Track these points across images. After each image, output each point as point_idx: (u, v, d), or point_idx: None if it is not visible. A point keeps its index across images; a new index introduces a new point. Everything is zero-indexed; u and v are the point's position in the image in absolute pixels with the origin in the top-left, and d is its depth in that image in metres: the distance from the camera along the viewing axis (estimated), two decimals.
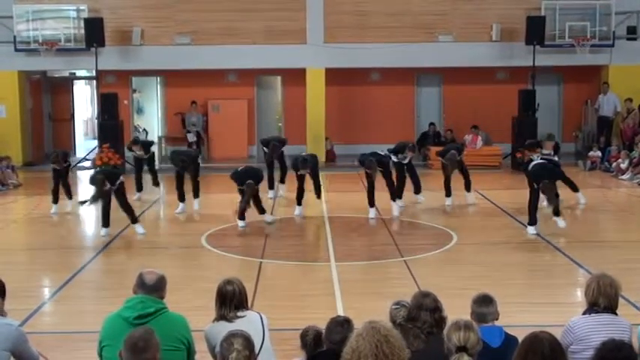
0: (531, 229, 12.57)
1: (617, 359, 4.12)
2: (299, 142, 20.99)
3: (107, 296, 9.13)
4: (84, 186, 16.57)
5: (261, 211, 13.48)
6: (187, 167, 14.91)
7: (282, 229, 13.72)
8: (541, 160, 13.79)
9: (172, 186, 15.37)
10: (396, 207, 14.30)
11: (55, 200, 14.95)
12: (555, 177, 12.91)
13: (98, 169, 15.82)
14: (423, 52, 21.75)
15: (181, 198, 14.91)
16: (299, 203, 14.47)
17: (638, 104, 21.40)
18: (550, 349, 4.05)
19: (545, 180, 12.38)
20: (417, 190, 15.48)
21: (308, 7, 21.87)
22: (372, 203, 14.24)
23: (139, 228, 13.03)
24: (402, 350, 3.91)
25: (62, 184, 15.19)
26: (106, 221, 12.82)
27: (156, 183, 17.04)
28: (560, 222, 12.65)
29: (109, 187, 12.65)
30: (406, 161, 15.15)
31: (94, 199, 12.78)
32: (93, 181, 12.92)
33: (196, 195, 15.06)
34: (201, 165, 16.25)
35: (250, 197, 13.15)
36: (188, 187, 14.97)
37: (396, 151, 15.11)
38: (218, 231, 13.29)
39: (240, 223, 13.35)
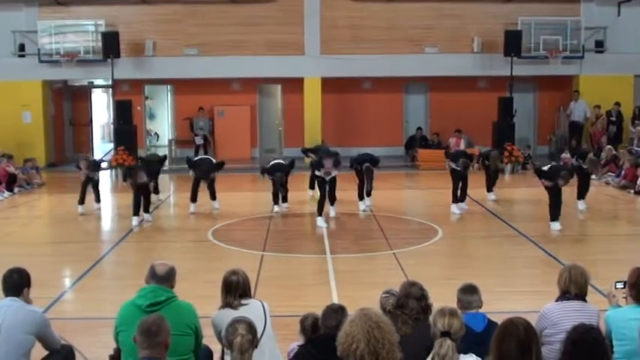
0: (556, 225, 12.48)
1: (586, 341, 4.13)
2: (297, 145, 20.98)
3: (122, 286, 9.13)
4: (102, 186, 16.50)
5: (283, 199, 14.43)
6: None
7: (282, 225, 13.73)
8: (554, 163, 13.86)
9: (183, 185, 15.31)
10: (362, 205, 14.48)
11: (82, 201, 14.61)
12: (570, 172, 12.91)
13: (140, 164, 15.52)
14: (411, 63, 21.80)
15: (194, 199, 14.52)
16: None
17: (605, 111, 21.47)
18: (525, 332, 4.06)
19: (562, 172, 12.41)
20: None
21: (306, 21, 21.89)
22: (361, 197, 14.52)
23: (147, 216, 13.70)
24: (392, 335, 3.91)
25: (93, 189, 14.78)
26: (137, 211, 13.39)
27: (156, 191, 15.81)
28: (555, 225, 12.48)
29: (148, 180, 13.37)
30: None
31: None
32: (128, 173, 13.98)
33: (214, 197, 14.78)
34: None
35: (280, 186, 13.97)
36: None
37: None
38: (223, 226, 13.29)
39: (276, 208, 14.28)
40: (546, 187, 12.68)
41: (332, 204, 13.82)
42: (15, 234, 13.05)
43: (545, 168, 12.97)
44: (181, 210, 15.03)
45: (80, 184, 14.65)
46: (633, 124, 21.11)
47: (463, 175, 14.32)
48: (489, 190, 15.63)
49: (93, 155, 23.36)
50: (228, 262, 9.91)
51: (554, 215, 12.57)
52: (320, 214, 13.12)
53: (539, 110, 24.00)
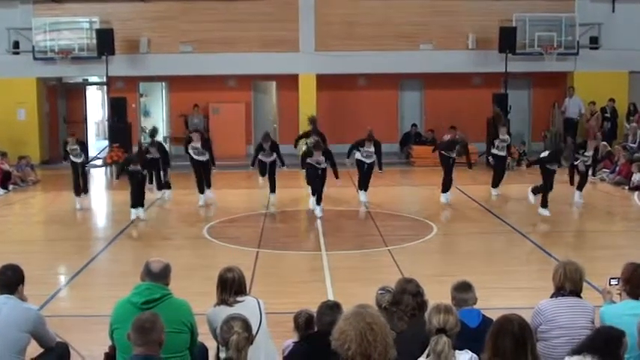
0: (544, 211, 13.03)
1: (609, 332, 4.31)
2: (292, 142, 20.95)
3: (117, 283, 9.08)
4: (95, 182, 16.49)
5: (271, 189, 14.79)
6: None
7: (277, 222, 13.72)
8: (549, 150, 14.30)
9: (178, 182, 15.29)
10: (363, 196, 14.69)
11: (78, 193, 14.65)
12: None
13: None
14: (406, 60, 21.77)
15: (202, 190, 14.77)
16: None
17: (600, 107, 21.49)
18: (519, 329, 4.07)
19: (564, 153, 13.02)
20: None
21: (300, 18, 21.86)
22: (360, 187, 14.89)
23: (140, 210, 13.46)
24: (386, 336, 3.86)
25: (82, 178, 14.80)
26: (135, 203, 13.34)
27: (167, 185, 15.98)
28: (545, 211, 12.84)
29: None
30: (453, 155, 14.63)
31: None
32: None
33: (209, 185, 15.11)
34: None
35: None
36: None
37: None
38: (218, 223, 13.28)
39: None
40: (546, 172, 12.98)
41: (318, 202, 13.50)
42: (10, 231, 13.02)
43: (545, 154, 13.35)
44: (176, 207, 15.00)
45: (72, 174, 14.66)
46: (628, 121, 21.14)
47: (452, 165, 14.60)
48: (494, 185, 15.64)
49: (87, 153, 23.28)
50: (223, 259, 9.91)
51: (544, 202, 12.93)
52: (318, 203, 13.31)
53: (533, 106, 23.99)
